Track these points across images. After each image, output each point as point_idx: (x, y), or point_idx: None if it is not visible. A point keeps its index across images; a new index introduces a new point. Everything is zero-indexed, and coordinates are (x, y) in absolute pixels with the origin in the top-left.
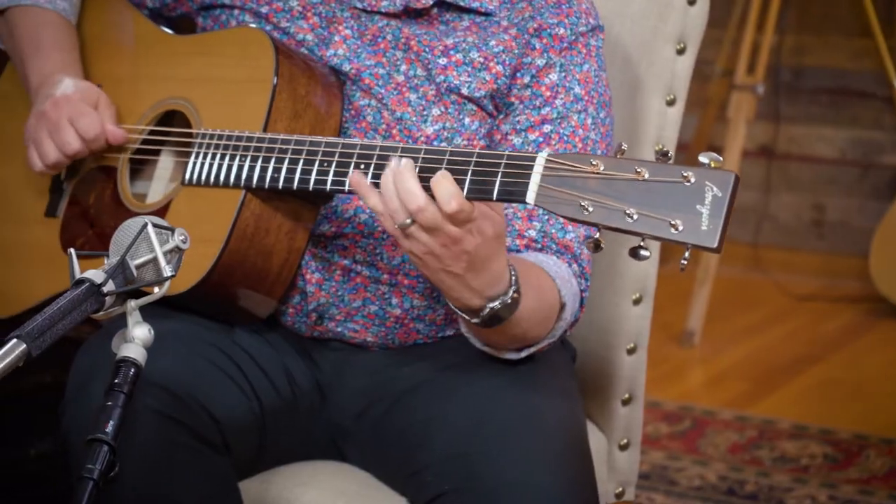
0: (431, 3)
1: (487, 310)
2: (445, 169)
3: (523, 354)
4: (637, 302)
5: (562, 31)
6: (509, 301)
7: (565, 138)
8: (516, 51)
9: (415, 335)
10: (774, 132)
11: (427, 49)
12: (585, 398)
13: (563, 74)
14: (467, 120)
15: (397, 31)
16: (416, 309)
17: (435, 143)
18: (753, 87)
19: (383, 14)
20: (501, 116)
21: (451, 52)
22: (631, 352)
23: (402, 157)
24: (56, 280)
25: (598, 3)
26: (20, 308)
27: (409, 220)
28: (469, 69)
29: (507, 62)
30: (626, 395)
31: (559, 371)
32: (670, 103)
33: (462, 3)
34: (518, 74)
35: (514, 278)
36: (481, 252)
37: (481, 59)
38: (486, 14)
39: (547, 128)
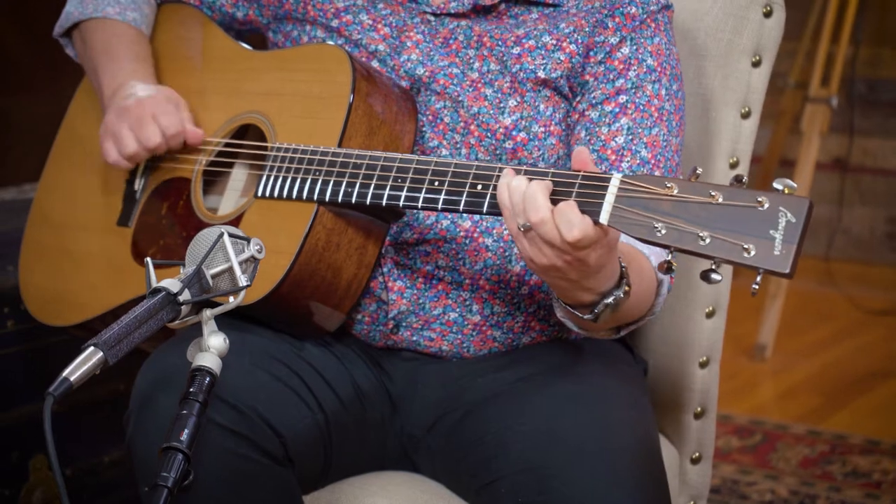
0: None
1: (602, 305)
2: None
3: (622, 333)
4: (710, 315)
5: (633, 9)
6: (622, 296)
7: (641, 107)
8: (587, 29)
9: (490, 343)
10: (848, 145)
11: (500, 42)
12: (657, 411)
13: (635, 47)
14: (542, 106)
15: (468, 30)
16: (495, 315)
17: (514, 133)
18: (827, 99)
19: (453, 15)
20: (578, 97)
21: (524, 41)
22: (703, 365)
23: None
24: (126, 289)
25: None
26: (88, 315)
27: (527, 223)
28: (543, 52)
29: (580, 41)
30: (699, 409)
31: (632, 384)
32: (745, 116)
33: None
34: (591, 53)
35: (624, 270)
36: (600, 262)
37: (553, 42)
38: (554, 5)
39: (622, 98)
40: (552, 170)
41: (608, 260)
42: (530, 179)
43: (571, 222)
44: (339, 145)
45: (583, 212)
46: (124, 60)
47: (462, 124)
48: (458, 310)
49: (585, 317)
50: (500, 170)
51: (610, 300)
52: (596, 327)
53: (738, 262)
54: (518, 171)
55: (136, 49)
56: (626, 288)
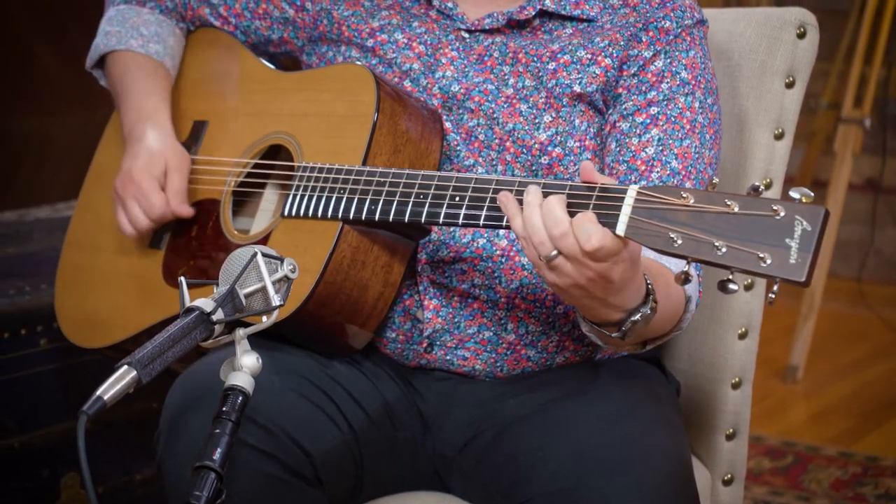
0: (534, 13)
1: (629, 323)
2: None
3: (648, 348)
4: (743, 336)
5: (668, 24)
6: (649, 312)
7: (672, 119)
8: (622, 42)
9: (524, 362)
10: (881, 166)
11: (535, 58)
12: (689, 432)
13: (669, 60)
14: (577, 121)
15: (503, 46)
16: (530, 334)
17: (549, 148)
18: (860, 120)
19: (487, 32)
20: (610, 109)
21: (559, 56)
22: (736, 386)
23: (541, 185)
24: (157, 311)
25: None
26: (120, 337)
27: (554, 253)
28: (578, 67)
29: (615, 54)
30: (731, 430)
31: (665, 404)
32: (778, 137)
33: (564, 12)
34: (625, 67)
35: (650, 287)
36: (624, 277)
37: (589, 56)
38: (589, 21)
39: (653, 109)
40: (569, 184)
41: (632, 275)
42: (545, 196)
43: (589, 232)
44: (364, 163)
45: (600, 223)
46: (137, 96)
47: (497, 141)
48: (493, 328)
49: (613, 335)
50: (520, 183)
51: (637, 317)
52: (622, 343)
53: (754, 272)
54: (540, 184)
55: (150, 83)
56: (654, 304)
